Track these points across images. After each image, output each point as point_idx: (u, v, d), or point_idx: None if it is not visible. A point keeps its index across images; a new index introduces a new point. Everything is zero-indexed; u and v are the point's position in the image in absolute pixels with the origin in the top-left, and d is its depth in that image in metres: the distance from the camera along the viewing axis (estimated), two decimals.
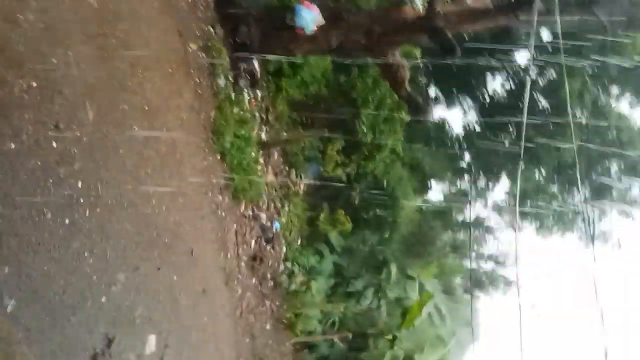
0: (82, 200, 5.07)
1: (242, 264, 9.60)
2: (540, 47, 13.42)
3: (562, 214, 16.09)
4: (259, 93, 11.30)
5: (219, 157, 8.84)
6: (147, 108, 6.61)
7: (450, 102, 17.69)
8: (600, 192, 15.42)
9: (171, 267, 6.80)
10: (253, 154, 9.98)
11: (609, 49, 12.62)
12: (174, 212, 7.07)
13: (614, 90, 15.25)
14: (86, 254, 5.13)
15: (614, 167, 15.52)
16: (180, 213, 7.32)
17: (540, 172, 16.46)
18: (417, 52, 12.83)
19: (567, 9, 9.92)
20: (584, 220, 15.09)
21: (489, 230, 17.04)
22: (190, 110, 8.05)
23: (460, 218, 17.56)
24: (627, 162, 15.31)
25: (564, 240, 16.61)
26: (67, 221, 4.82)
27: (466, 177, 18.08)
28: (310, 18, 9.29)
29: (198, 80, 8.44)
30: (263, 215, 10.97)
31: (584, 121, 14.48)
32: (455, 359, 15.81)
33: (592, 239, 14.11)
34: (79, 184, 5.05)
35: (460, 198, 17.91)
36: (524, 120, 10.04)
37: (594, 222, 15.19)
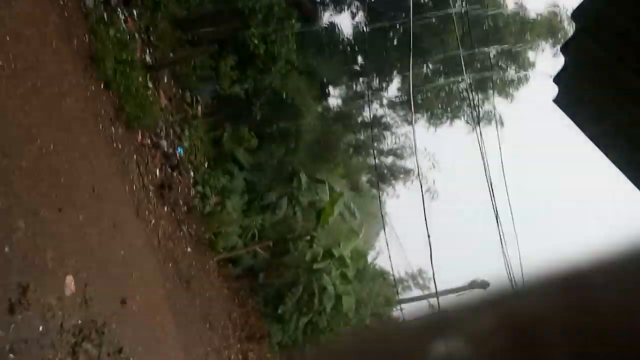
0: None
1: (151, 193, 9.42)
2: None
3: (450, 102, 17.30)
4: (134, 12, 10.39)
5: (102, 86, 8.25)
6: (8, 39, 5.90)
7: (337, 4, 17.53)
8: (482, 81, 16.70)
9: (74, 207, 6.55)
10: (140, 79, 9.41)
11: None
12: (64, 151, 6.66)
13: None
14: None
15: (493, 52, 16.70)
16: (71, 150, 6.92)
17: (428, 66, 17.31)
18: None
19: None
20: (469, 104, 16.36)
21: (386, 127, 17.96)
22: (60, 38, 7.29)
23: (359, 119, 18.25)
24: (503, 48, 16.52)
25: (453, 127, 18.04)
26: None
27: (361, 79, 18.52)
28: None
29: (62, 3, 7.56)
30: (164, 142, 10.63)
31: (462, 11, 15.19)
32: (367, 245, 17.27)
33: (478, 119, 15.50)
34: None
35: (358, 100, 18.45)
36: (411, 20, 10.43)
37: (478, 106, 16.55)
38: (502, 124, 17.09)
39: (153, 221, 9.06)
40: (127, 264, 7.58)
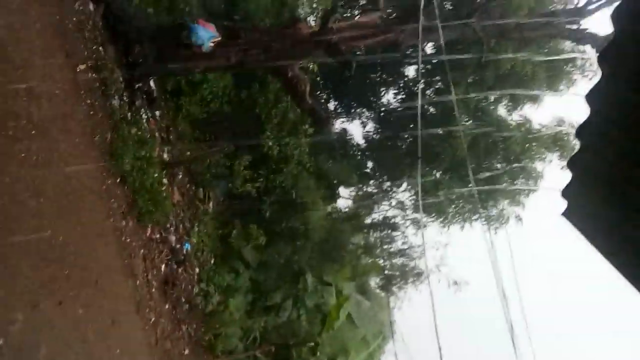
0: None
1: (153, 289, 9.23)
2: (425, 61, 14.99)
3: (460, 204, 17.24)
4: (157, 112, 11.02)
5: (118, 181, 8.48)
6: (33, 132, 6.22)
7: (349, 114, 18.53)
8: (490, 183, 16.87)
9: (75, 301, 6.41)
10: (156, 175, 9.68)
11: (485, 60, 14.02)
12: (72, 243, 6.67)
13: (493, 95, 16.86)
14: None
15: (499, 159, 17.02)
16: (80, 243, 6.93)
17: (436, 174, 17.66)
18: (315, 67, 13.32)
19: (448, 25, 11.06)
20: (478, 204, 16.31)
21: (395, 228, 17.90)
22: (83, 134, 7.67)
23: (369, 220, 18.30)
24: (507, 154, 16.89)
25: (465, 229, 17.81)
26: None
27: (371, 181, 18.92)
28: (206, 36, 9.30)
29: (90, 102, 8.07)
30: (172, 237, 10.64)
31: (468, 123, 15.86)
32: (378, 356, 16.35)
33: (489, 228, 15.36)
34: None
35: (368, 201, 18.64)
36: (419, 129, 10.88)
37: (487, 208, 16.52)
38: (521, 220, 16.83)
39: (153, 319, 8.77)
40: None
